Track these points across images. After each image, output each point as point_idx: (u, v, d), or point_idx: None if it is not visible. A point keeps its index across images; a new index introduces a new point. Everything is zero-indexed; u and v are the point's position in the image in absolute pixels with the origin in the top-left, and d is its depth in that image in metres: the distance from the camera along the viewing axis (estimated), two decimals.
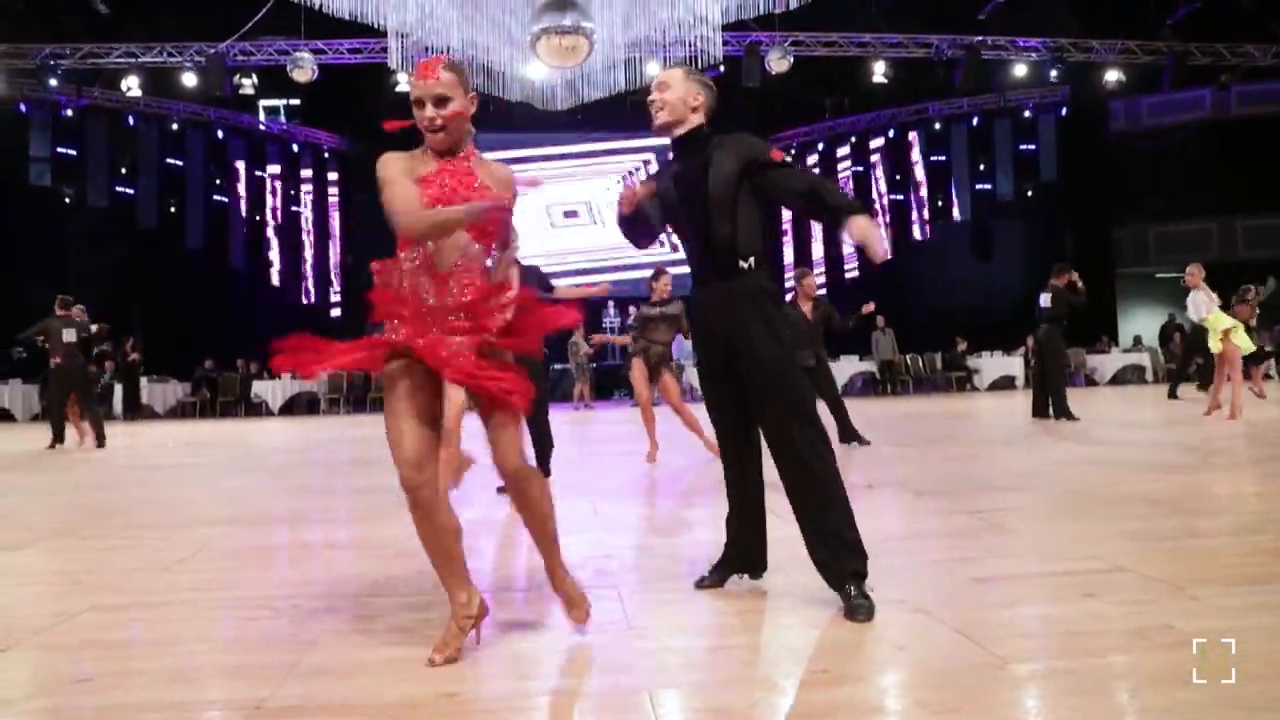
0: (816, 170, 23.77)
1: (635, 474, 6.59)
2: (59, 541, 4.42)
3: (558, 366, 18.68)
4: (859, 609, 2.68)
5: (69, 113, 19.30)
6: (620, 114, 21.00)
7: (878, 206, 23.15)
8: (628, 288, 18.79)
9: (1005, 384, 19.46)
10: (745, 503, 3.14)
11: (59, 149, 19.56)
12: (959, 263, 22.62)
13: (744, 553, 3.14)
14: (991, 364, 19.75)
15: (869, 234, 2.78)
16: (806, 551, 2.90)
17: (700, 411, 4.10)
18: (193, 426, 15.28)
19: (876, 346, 19.29)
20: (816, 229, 24.00)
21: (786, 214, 24.21)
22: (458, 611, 2.50)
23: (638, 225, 3.11)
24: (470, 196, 2.48)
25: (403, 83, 16.97)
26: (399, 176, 2.46)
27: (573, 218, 23.68)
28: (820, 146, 23.69)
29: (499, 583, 3.36)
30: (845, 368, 19.42)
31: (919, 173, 22.73)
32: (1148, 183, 21.95)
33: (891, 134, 22.65)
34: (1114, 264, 22.44)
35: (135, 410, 17.65)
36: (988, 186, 22.51)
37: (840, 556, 2.81)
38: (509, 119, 20.50)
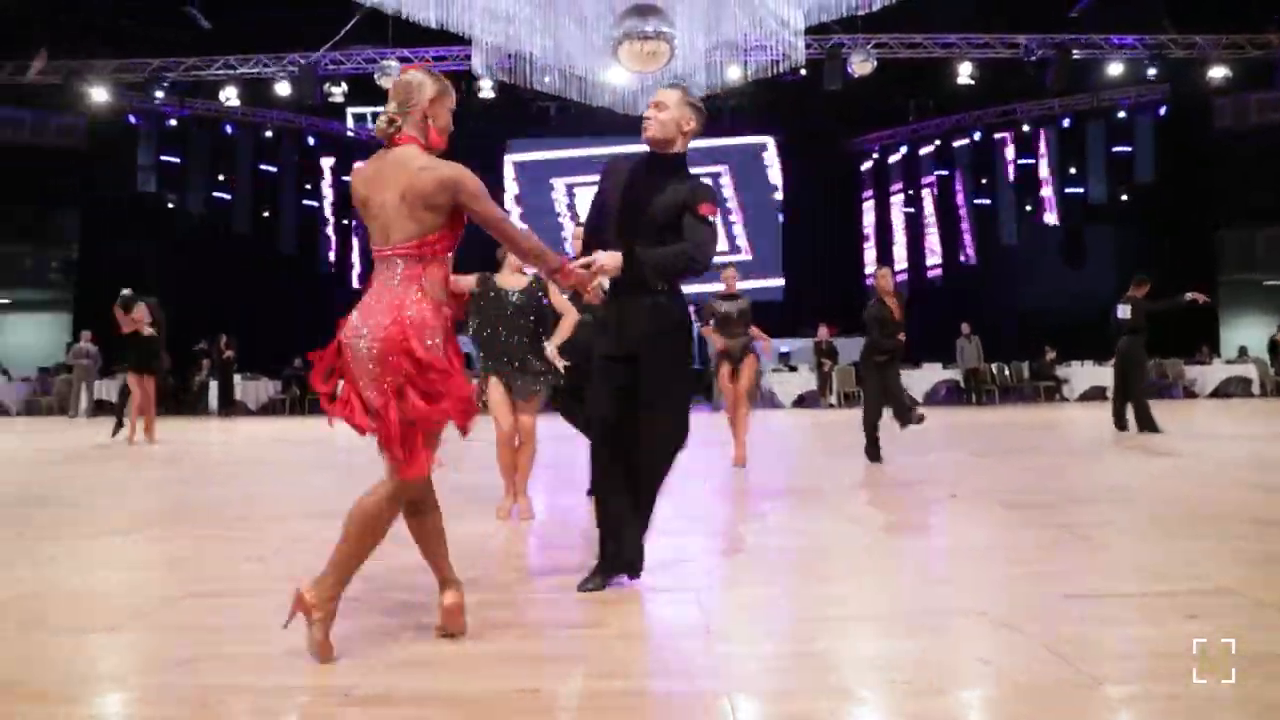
0: (900, 178, 23.42)
1: (714, 476, 6.56)
2: (158, 530, 4.62)
3: None
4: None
5: (173, 123, 20.21)
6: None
7: (963, 211, 22.64)
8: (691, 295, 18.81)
9: (1096, 395, 18.76)
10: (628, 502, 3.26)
11: (163, 157, 20.53)
12: (1049, 269, 21.90)
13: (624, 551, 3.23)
14: (1082, 374, 19.07)
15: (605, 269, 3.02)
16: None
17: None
18: (282, 423, 15.80)
19: (961, 354, 18.80)
20: (899, 233, 23.63)
21: (868, 219, 23.92)
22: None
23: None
24: None
25: (486, 89, 17.31)
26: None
27: None
28: (903, 150, 23.28)
29: (573, 582, 3.39)
30: (928, 375, 19.01)
31: (1009, 176, 22.14)
32: (1255, 184, 20.93)
33: (977, 136, 22.11)
34: (1216, 270, 21.44)
35: (229, 406, 18.33)
36: (1079, 190, 21.77)
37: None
38: (591, 124, 20.69)
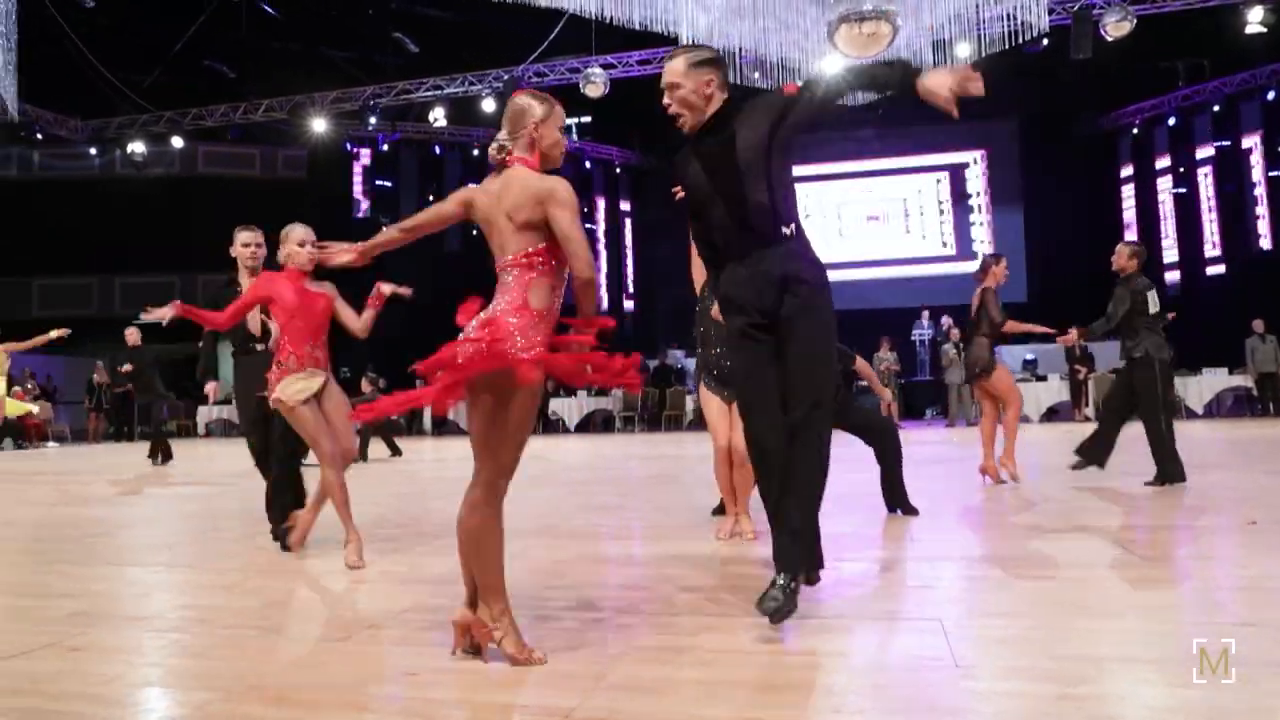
0: (1167, 155, 21.55)
1: (959, 494, 6.27)
2: (381, 545, 4.98)
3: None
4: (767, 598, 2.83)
5: (385, 147, 22.01)
6: (925, 106, 20.30)
7: (1263, 187, 20.39)
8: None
9: None
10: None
11: (377, 181, 22.38)
12: None
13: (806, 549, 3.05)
14: None
15: (953, 84, 2.98)
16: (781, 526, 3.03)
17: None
18: None
19: (1253, 356, 16.94)
20: (1168, 219, 21.74)
21: (1128, 206, 22.15)
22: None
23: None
24: None
25: None
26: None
27: (874, 221, 23.26)
28: (1171, 121, 21.44)
29: (805, 609, 3.33)
30: (1211, 382, 17.30)
31: None
32: None
33: (1271, 96, 19.93)
34: None
35: (442, 425, 19.58)
36: None
37: (798, 543, 2.98)
38: None
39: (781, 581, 2.89)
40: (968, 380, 6.89)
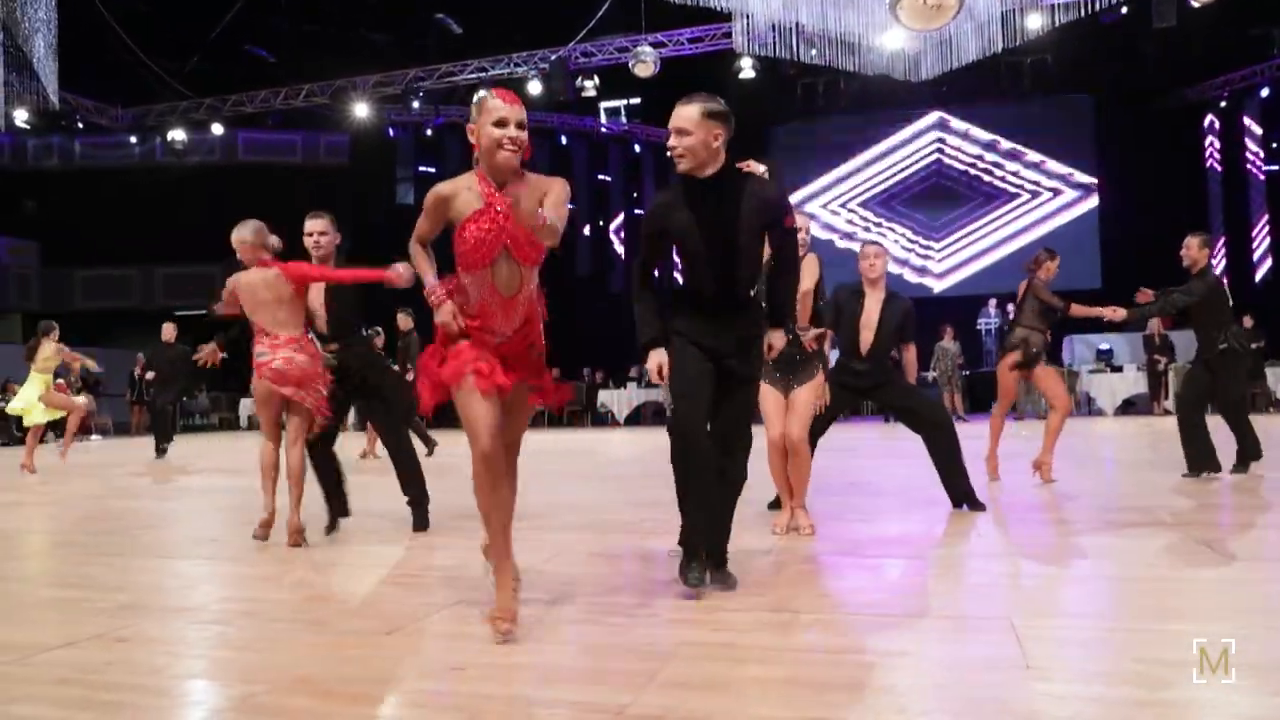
0: (1259, 129, 20.93)
1: (1027, 489, 6.18)
2: (428, 539, 5.05)
3: (926, 375, 18.16)
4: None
5: (429, 132, 22.19)
6: (993, 80, 19.98)
7: None
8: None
9: None
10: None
11: (420, 167, 22.58)
12: None
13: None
14: None
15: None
16: None
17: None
18: (542, 435, 16.79)
19: None
20: (1258, 197, 21.15)
21: (1214, 184, 21.60)
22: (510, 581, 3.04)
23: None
24: (515, 235, 3.03)
25: (746, 69, 17.44)
26: (427, 214, 3.24)
27: (939, 202, 22.94)
28: (1264, 93, 20.80)
29: (868, 606, 3.31)
30: None
31: None
32: None
33: None
34: None
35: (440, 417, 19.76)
36: None
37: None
38: (864, 98, 20.33)
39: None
40: (1016, 366, 6.72)
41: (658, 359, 3.40)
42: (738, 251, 3.36)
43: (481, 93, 3.15)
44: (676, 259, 3.62)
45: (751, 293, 3.51)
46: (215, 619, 3.52)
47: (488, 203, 3.05)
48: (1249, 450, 6.73)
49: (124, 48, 17.93)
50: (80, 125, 21.67)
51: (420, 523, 5.27)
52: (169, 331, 13.00)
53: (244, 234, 4.82)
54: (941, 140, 22.51)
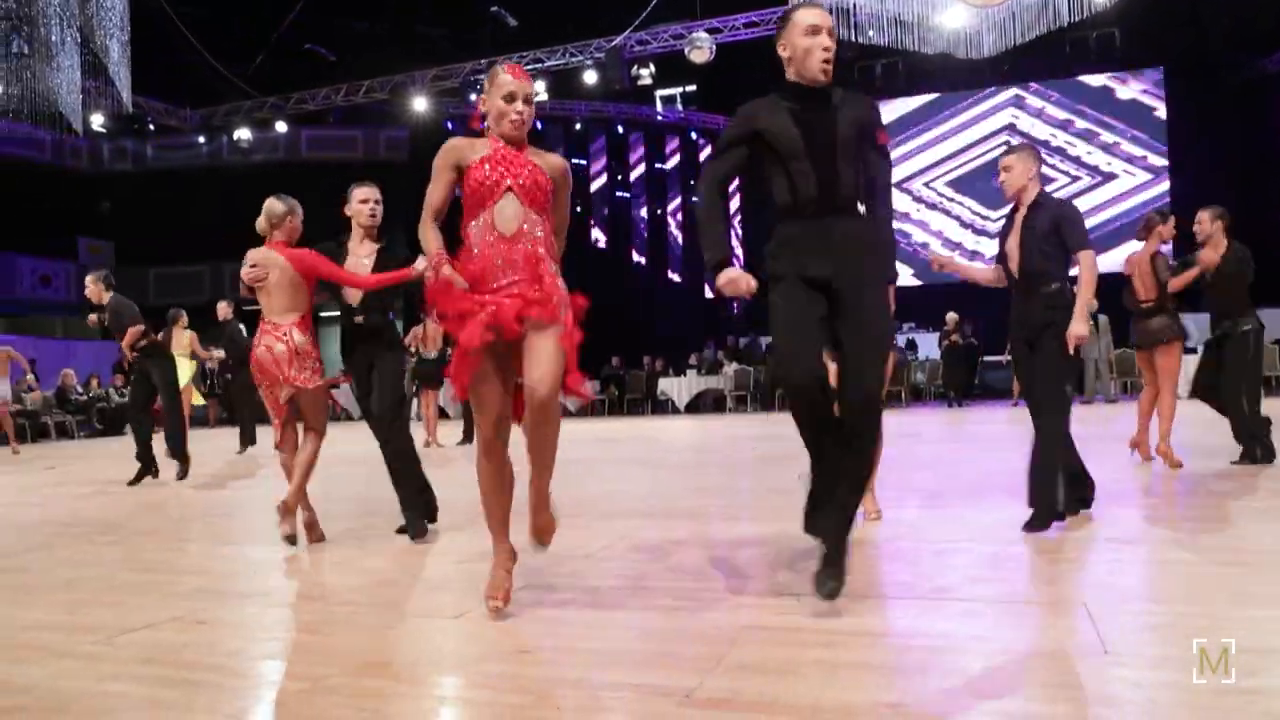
0: None
1: (1102, 474, 6.03)
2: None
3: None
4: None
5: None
6: (1058, 58, 19.49)
7: None
8: None
9: None
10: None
11: None
12: None
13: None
14: None
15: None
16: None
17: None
18: (603, 424, 16.84)
19: None
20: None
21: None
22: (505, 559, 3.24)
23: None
24: (520, 174, 3.17)
25: None
26: (438, 173, 3.31)
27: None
28: None
29: (937, 591, 3.25)
30: None
31: None
32: None
33: None
34: None
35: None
36: None
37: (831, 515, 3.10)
38: (925, 78, 19.97)
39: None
40: (1140, 346, 6.47)
41: (728, 275, 3.05)
42: (838, 149, 3.13)
43: (496, 67, 3.27)
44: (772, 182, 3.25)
45: (859, 204, 3.22)
46: (289, 603, 3.59)
47: (495, 148, 3.21)
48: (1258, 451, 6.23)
49: (191, 50, 18.32)
50: (152, 127, 22.23)
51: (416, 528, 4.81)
52: (224, 310, 12.59)
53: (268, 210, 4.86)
54: (1014, 119, 22.00)
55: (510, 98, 3.20)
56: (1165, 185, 21.17)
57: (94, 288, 8.39)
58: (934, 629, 2.78)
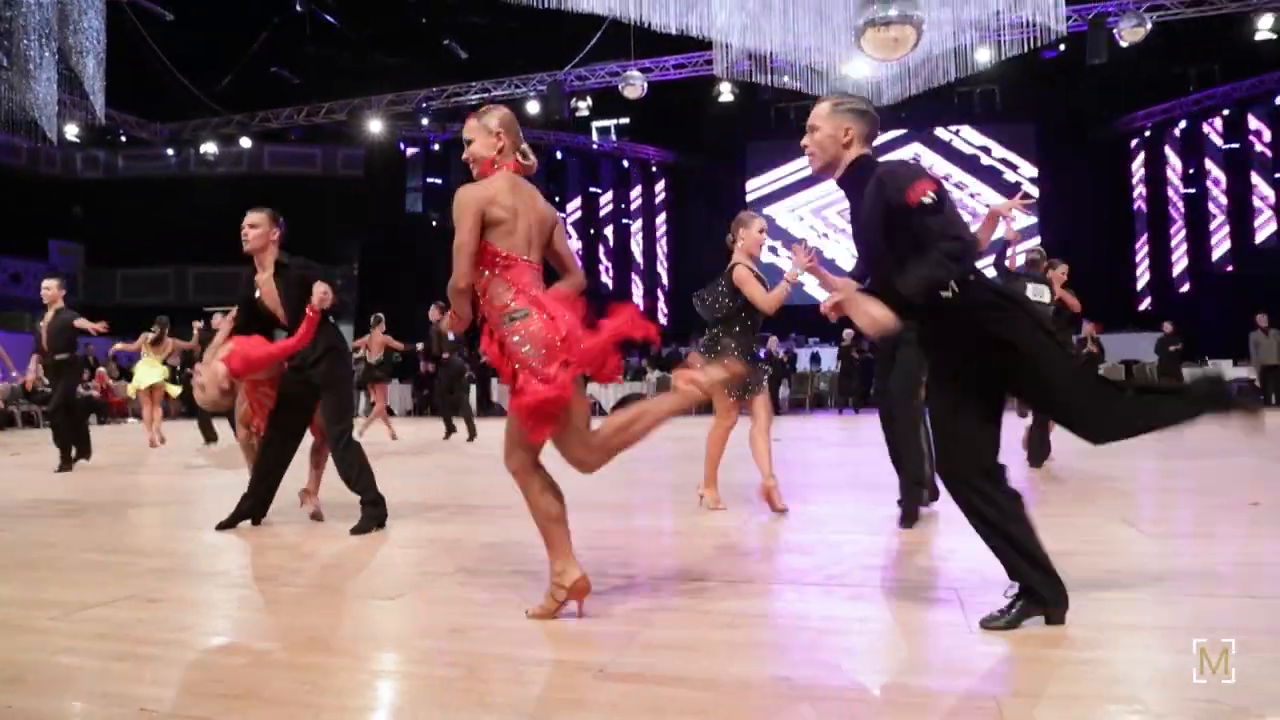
0: (1178, 157, 21.05)
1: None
2: (432, 514, 5.01)
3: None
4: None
5: (436, 147, 22.11)
6: (946, 106, 20.01)
7: (1268, 189, 19.94)
8: None
9: None
10: None
11: (429, 179, 22.53)
12: None
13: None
14: None
15: (867, 323, 2.55)
16: None
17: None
18: None
19: (1256, 349, 16.55)
20: (1178, 218, 21.30)
21: (1139, 206, 21.71)
22: (553, 579, 2.76)
23: None
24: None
25: (725, 92, 17.43)
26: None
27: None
28: (1183, 125, 20.97)
29: (829, 578, 3.30)
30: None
31: None
32: None
33: (1279, 101, 19.45)
34: None
35: (486, 408, 19.68)
36: None
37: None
38: None
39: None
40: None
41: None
42: (872, 246, 2.70)
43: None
44: None
45: (945, 294, 2.51)
46: (239, 584, 3.49)
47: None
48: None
49: (164, 69, 17.78)
50: (123, 139, 21.52)
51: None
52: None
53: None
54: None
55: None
56: (1033, 222, 21.88)
57: (54, 291, 8.02)
58: (824, 611, 2.82)
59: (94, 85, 15.51)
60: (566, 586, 2.73)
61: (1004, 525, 2.57)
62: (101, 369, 18.58)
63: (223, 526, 4.49)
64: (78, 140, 19.69)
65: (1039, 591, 2.53)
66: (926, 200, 2.51)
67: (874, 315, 2.54)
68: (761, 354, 4.74)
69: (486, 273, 2.78)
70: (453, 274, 2.79)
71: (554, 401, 2.61)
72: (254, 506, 4.59)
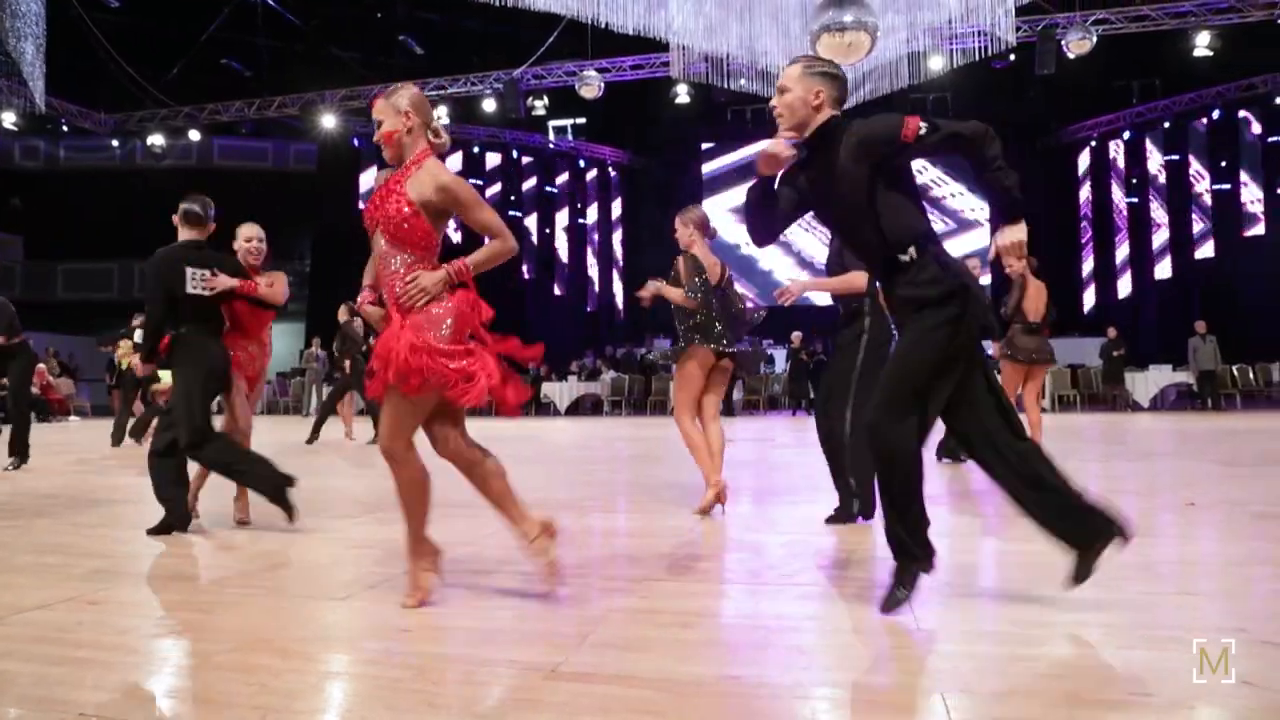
0: (1121, 166, 21.62)
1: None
2: (380, 515, 4.96)
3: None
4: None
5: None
6: (899, 112, 20.28)
7: (1199, 199, 20.63)
8: None
9: None
10: None
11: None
12: None
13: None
14: None
15: (1009, 250, 2.67)
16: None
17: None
18: (490, 424, 16.62)
19: (1195, 355, 17.08)
20: (1121, 226, 21.86)
21: (1084, 213, 22.23)
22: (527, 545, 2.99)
23: (765, 209, 2.82)
24: (385, 206, 2.90)
25: (682, 94, 17.50)
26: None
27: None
28: (1126, 136, 21.54)
29: (781, 577, 3.33)
30: (1156, 378, 17.45)
31: (1251, 158, 20.00)
32: None
33: (1216, 115, 20.09)
34: None
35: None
36: None
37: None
38: None
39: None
40: (1018, 360, 7.16)
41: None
42: (846, 208, 2.72)
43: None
44: None
45: (903, 257, 2.66)
46: (181, 585, 3.42)
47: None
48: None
49: (108, 57, 17.34)
50: (65, 128, 20.94)
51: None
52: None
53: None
54: None
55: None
56: (985, 235, 22.28)
57: None
58: (776, 610, 2.85)
59: (33, 71, 15.07)
60: (537, 537, 2.98)
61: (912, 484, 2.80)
62: (41, 365, 18.07)
63: (287, 510, 4.33)
64: (15, 129, 19.11)
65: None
66: (923, 130, 2.58)
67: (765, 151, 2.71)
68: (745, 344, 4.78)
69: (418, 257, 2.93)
70: (505, 236, 3.03)
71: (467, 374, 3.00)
72: (273, 493, 4.39)
